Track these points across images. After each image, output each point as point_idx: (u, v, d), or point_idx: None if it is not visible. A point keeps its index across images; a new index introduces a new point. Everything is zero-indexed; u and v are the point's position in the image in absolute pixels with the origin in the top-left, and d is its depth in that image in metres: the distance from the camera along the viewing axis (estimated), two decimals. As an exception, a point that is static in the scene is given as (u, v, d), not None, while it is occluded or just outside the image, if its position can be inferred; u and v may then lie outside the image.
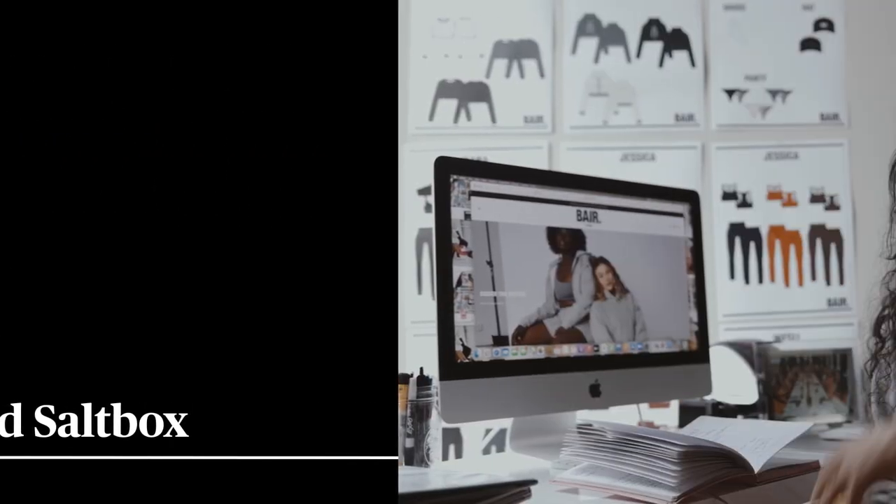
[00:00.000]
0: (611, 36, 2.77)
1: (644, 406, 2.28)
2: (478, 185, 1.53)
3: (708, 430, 1.51)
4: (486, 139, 2.72)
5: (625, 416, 2.11)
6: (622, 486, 1.25)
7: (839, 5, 2.81)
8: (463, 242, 1.49)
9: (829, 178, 2.76)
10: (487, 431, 2.61)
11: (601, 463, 1.29)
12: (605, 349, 1.70)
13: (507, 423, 1.71)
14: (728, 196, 2.75)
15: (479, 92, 2.75)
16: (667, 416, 2.35)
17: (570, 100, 2.75)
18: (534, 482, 1.19)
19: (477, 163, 1.59)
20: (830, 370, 2.21)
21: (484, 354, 1.49)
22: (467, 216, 1.51)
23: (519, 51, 2.75)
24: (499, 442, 2.57)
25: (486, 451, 2.55)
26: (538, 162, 2.68)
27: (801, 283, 2.73)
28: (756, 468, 1.29)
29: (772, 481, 1.34)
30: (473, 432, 2.61)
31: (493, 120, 2.74)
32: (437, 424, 1.48)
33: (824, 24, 2.79)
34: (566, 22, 2.77)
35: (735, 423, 1.58)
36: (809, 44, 2.79)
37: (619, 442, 1.27)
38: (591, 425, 1.32)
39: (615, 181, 1.80)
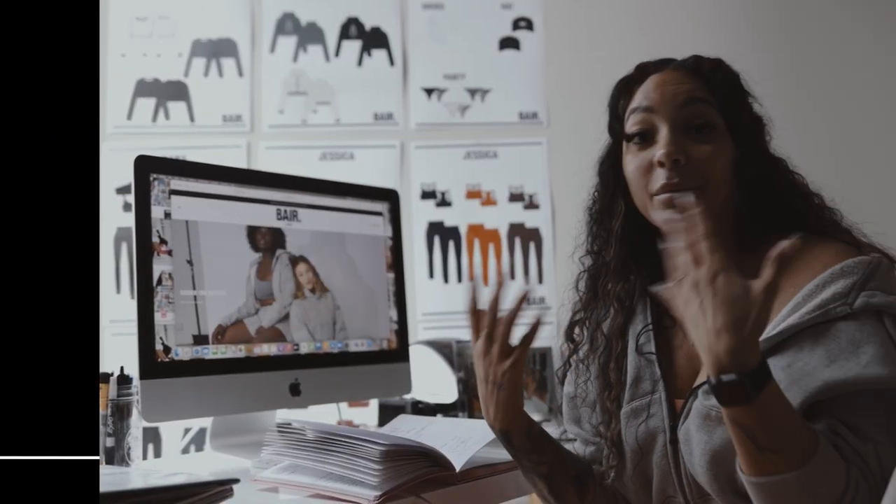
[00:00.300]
0: (309, 34, 3.04)
1: (343, 405, 2.50)
2: (178, 183, 1.66)
3: (408, 428, 1.62)
4: (184, 138, 2.94)
5: (324, 414, 2.28)
6: (324, 484, 1.34)
7: (538, 4, 3.18)
8: (163, 241, 1.61)
9: (527, 176, 3.10)
10: (187, 431, 2.73)
11: (303, 462, 1.38)
12: (306, 348, 1.85)
13: (206, 422, 1.83)
14: (427, 195, 3.06)
15: (177, 91, 2.93)
16: (366, 415, 2.55)
17: (268, 98, 3.02)
18: (235, 481, 1.26)
19: (177, 161, 1.71)
20: (530, 369, 2.44)
21: (184, 353, 1.62)
22: (167, 215, 1.63)
23: (217, 49, 2.97)
24: (198, 441, 2.69)
25: (186, 450, 2.66)
26: (237, 161, 2.92)
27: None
28: (457, 466, 1.38)
29: (472, 479, 1.45)
30: (172, 432, 2.74)
31: (192, 119, 2.96)
32: (137, 424, 1.59)
33: (523, 24, 3.14)
34: (265, 20, 3.04)
35: (435, 421, 1.68)
36: (508, 43, 3.15)
37: (320, 441, 1.36)
38: (290, 424, 1.40)
39: (315, 180, 1.94)
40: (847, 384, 1.16)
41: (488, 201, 3.06)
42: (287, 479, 1.39)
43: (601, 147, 1.53)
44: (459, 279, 3.02)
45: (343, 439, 1.33)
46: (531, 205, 3.07)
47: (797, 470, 1.08)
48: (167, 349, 1.60)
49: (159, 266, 1.61)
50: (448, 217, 3.04)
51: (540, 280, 3.04)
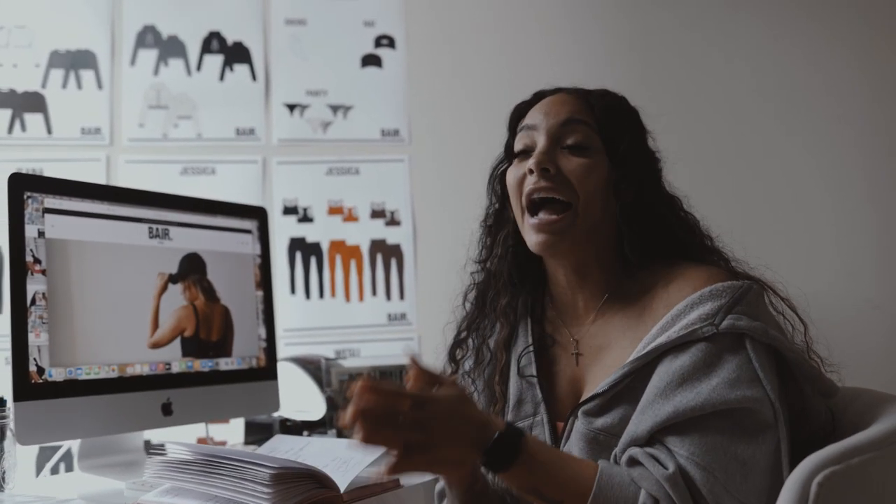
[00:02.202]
0: (171, 48, 3.05)
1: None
2: (52, 202, 1.64)
3: (286, 449, 1.64)
4: (41, 150, 2.90)
5: (187, 433, 2.25)
6: None
7: (400, 23, 3.26)
8: (37, 261, 1.59)
9: (389, 193, 3.18)
10: (55, 451, 2.65)
11: (186, 485, 1.37)
12: (177, 367, 1.85)
13: (74, 442, 1.80)
14: (289, 211, 3.11)
15: (34, 102, 2.89)
16: (226, 432, 2.50)
17: (128, 112, 3.02)
18: None
19: (52, 180, 1.69)
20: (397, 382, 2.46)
21: (58, 374, 1.60)
22: (41, 234, 1.61)
23: (76, 61, 2.94)
24: (67, 461, 2.62)
25: (55, 470, 2.59)
26: (97, 174, 2.91)
27: (361, 298, 3.08)
28: (342, 487, 1.41)
29: (357, 500, 1.46)
30: (29, 452, 2.65)
31: (49, 131, 2.93)
32: (11, 447, 1.56)
33: (385, 41, 3.21)
34: (125, 33, 3.05)
35: (312, 442, 1.69)
36: (370, 60, 3.22)
37: (204, 463, 1.36)
38: (171, 446, 1.42)
39: (185, 198, 1.96)
40: (694, 410, 1.25)
41: (350, 217, 3.11)
42: (170, 503, 1.40)
43: (494, 162, 1.62)
44: (321, 295, 3.05)
45: (229, 461, 1.34)
46: (393, 221, 3.13)
47: None
48: (41, 370, 1.58)
49: (33, 286, 1.60)
50: (310, 233, 3.08)
51: (402, 296, 3.09)
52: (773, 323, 1.37)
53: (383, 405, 1.14)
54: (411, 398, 1.15)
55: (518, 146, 1.51)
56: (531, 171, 1.43)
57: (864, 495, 1.22)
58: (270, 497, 1.29)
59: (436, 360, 2.65)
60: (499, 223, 1.59)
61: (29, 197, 1.63)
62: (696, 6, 3.36)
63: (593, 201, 1.43)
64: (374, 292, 3.10)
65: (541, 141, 1.45)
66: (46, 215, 1.65)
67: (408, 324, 3.10)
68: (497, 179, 1.59)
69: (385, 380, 1.23)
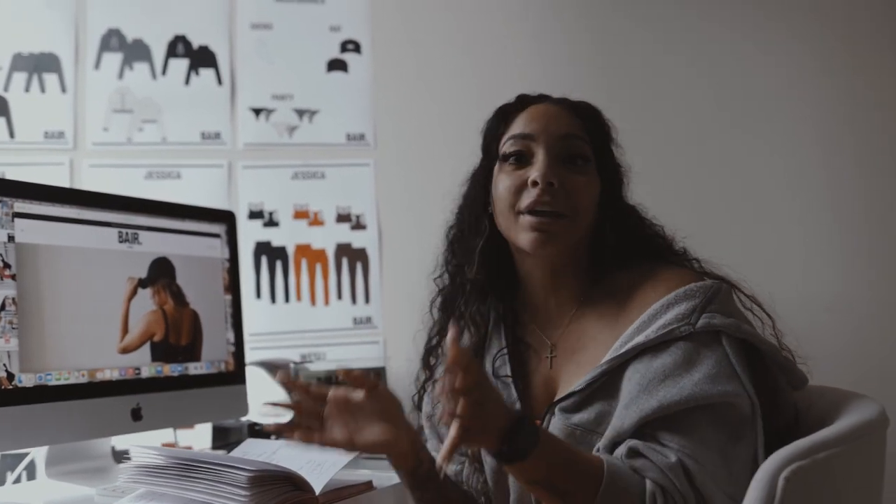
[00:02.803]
0: (136, 52, 3.04)
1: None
2: (22, 206, 1.63)
3: (259, 452, 1.67)
4: (4, 154, 2.93)
5: (156, 439, 2.25)
6: None
7: (366, 28, 3.27)
8: (6, 265, 1.59)
9: (355, 197, 3.19)
10: (15, 459, 2.63)
11: (162, 489, 1.39)
12: (147, 372, 1.86)
13: (37, 450, 1.80)
14: (255, 215, 3.10)
15: None
16: (190, 438, 2.49)
17: (93, 116, 3.01)
18: None
19: (22, 184, 1.69)
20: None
21: (28, 380, 1.60)
22: (11, 238, 1.60)
23: (40, 64, 2.93)
24: (28, 469, 2.60)
25: (18, 479, 2.56)
26: (60, 179, 2.88)
27: (327, 302, 3.08)
28: (317, 490, 1.45)
29: (332, 502, 1.51)
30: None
31: (12, 135, 2.92)
32: (-20, 454, 1.56)
33: (351, 46, 3.22)
34: (89, 36, 3.03)
35: (284, 445, 1.71)
36: (336, 65, 3.22)
37: (180, 467, 1.38)
38: (144, 451, 1.44)
39: (154, 202, 1.97)
40: (679, 403, 1.28)
41: (316, 221, 3.11)
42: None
43: (472, 168, 1.65)
44: (287, 299, 3.05)
45: (205, 465, 1.36)
46: (358, 225, 3.14)
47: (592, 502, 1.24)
48: (11, 376, 1.58)
49: (3, 291, 1.60)
50: (275, 237, 3.08)
51: (367, 300, 3.10)
52: (744, 319, 1.43)
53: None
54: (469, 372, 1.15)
55: (510, 149, 1.52)
56: (534, 184, 1.46)
57: (829, 489, 1.26)
58: (248, 500, 1.31)
59: (404, 363, 2.68)
60: (474, 231, 1.60)
61: (-1, 201, 1.63)
62: (657, 11, 3.41)
63: (588, 215, 1.50)
64: (339, 296, 3.11)
65: (541, 153, 1.48)
66: (16, 219, 1.64)
67: (373, 327, 3.11)
68: (479, 186, 1.61)
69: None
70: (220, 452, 2.06)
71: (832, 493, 1.27)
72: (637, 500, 1.26)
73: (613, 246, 1.50)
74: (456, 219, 1.66)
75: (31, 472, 2.44)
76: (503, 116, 1.58)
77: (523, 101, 1.59)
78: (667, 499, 1.25)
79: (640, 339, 1.38)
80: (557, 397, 1.46)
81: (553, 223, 1.45)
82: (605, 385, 1.40)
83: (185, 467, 1.37)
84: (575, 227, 1.47)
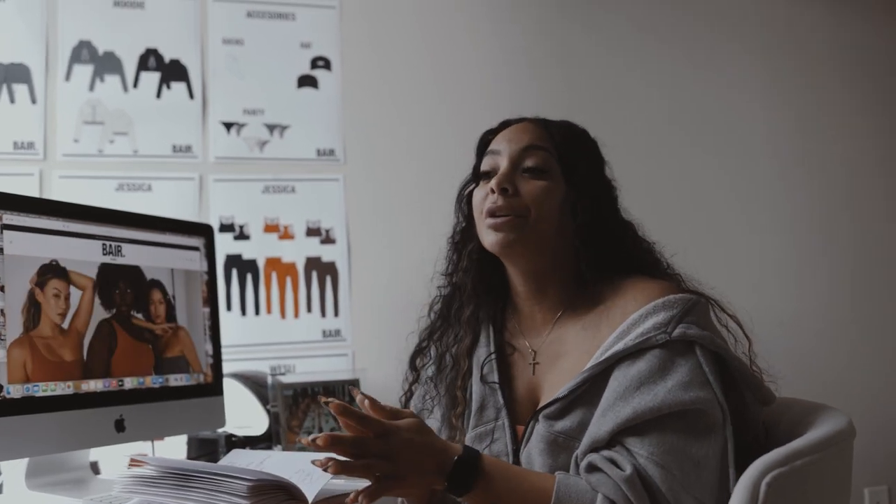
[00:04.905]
0: (107, 64, 3.04)
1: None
2: (10, 218, 1.64)
3: (247, 462, 1.67)
4: None
5: (133, 450, 2.24)
6: None
7: (335, 44, 3.32)
8: (-5, 277, 1.60)
9: (324, 211, 3.24)
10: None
11: (158, 499, 1.40)
12: (129, 384, 1.87)
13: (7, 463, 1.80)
14: (225, 228, 3.12)
15: None
16: (169, 449, 2.48)
17: (63, 127, 3.00)
18: None
19: (10, 196, 1.69)
20: (340, 399, 2.50)
21: (16, 391, 1.60)
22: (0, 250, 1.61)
23: (9, 74, 2.92)
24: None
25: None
26: (29, 189, 2.89)
27: (297, 314, 3.10)
28: (310, 498, 1.44)
29: None
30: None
31: None
32: (-28, 465, 1.57)
33: (321, 63, 3.25)
34: (60, 47, 3.04)
35: (272, 455, 1.75)
36: (307, 81, 3.25)
37: (177, 477, 1.39)
38: (138, 460, 1.45)
39: (136, 214, 1.97)
40: (653, 410, 1.34)
41: (286, 235, 3.14)
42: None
43: (461, 184, 1.75)
44: (257, 312, 3.07)
45: (203, 475, 1.38)
46: (328, 239, 3.16)
47: None
48: (0, 387, 1.58)
49: (-8, 303, 1.60)
50: (246, 250, 3.10)
51: (336, 313, 3.13)
52: (718, 334, 1.48)
53: (353, 433, 1.27)
54: (375, 427, 1.27)
55: (483, 167, 1.63)
56: (492, 191, 1.55)
57: (806, 494, 1.34)
58: None
59: (373, 374, 2.70)
60: (465, 239, 1.70)
61: (-13, 213, 1.64)
62: (617, 31, 3.50)
63: (547, 218, 1.55)
64: (309, 309, 3.13)
65: (503, 164, 1.58)
66: (4, 231, 1.65)
67: (342, 340, 3.14)
68: (465, 199, 1.71)
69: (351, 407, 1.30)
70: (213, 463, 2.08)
71: (809, 497, 1.35)
72: None
73: (593, 256, 1.55)
74: (453, 229, 1.74)
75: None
76: (485, 139, 1.70)
77: (504, 124, 1.70)
78: None
79: (619, 346, 1.44)
80: (541, 404, 1.52)
81: (506, 223, 1.53)
82: (587, 392, 1.45)
83: (183, 477, 1.39)
84: (530, 227, 1.54)
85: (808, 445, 1.35)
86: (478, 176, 1.65)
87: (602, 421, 1.38)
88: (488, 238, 1.56)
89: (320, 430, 2.45)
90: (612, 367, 1.44)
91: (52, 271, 1.73)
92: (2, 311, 1.62)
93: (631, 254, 1.63)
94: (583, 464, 1.38)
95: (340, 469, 1.24)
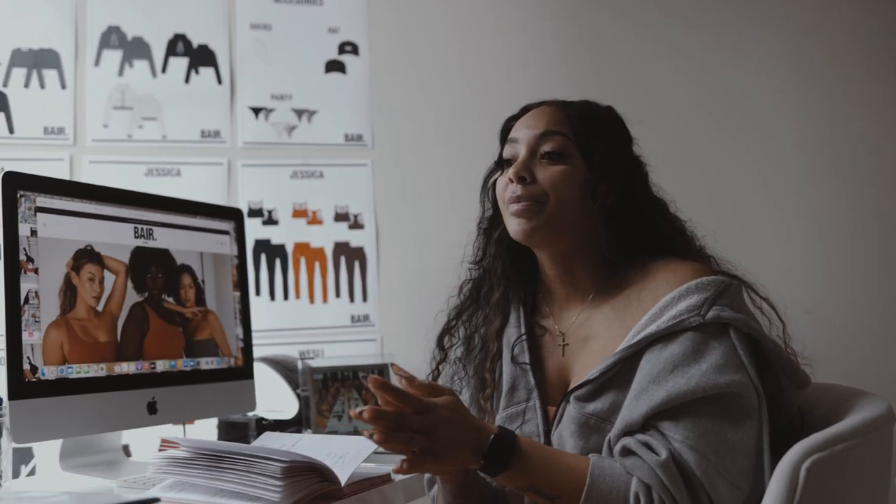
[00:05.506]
0: (136, 49, 3.06)
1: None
2: (44, 201, 1.65)
3: (279, 444, 1.69)
4: (4, 149, 2.88)
5: (164, 433, 2.25)
6: (218, 501, 1.40)
7: (363, 29, 3.30)
8: (30, 259, 1.60)
9: (352, 197, 3.23)
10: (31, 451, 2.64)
11: (193, 480, 1.42)
12: (161, 366, 1.87)
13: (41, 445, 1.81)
14: (254, 213, 3.12)
15: None
16: (200, 432, 2.49)
17: (93, 112, 3.01)
18: (157, 500, 1.37)
19: (44, 179, 1.71)
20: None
21: (50, 373, 1.61)
22: (34, 233, 1.62)
23: (39, 60, 2.90)
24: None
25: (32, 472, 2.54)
26: (59, 174, 2.89)
27: (325, 299, 3.10)
28: (343, 481, 1.48)
29: (356, 493, 1.55)
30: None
31: (11, 130, 2.91)
32: (7, 445, 1.57)
33: (349, 48, 3.23)
34: (89, 33, 3.04)
35: (303, 438, 1.76)
36: (334, 66, 3.24)
37: (211, 458, 1.41)
38: (176, 442, 1.48)
39: (167, 198, 2.00)
40: (687, 394, 1.33)
41: (314, 220, 3.14)
42: (178, 497, 1.43)
43: (486, 172, 1.75)
44: (286, 297, 3.07)
45: (238, 456, 1.39)
46: (356, 224, 3.16)
47: None
48: (34, 368, 1.60)
49: (26, 284, 1.62)
50: (274, 235, 3.10)
51: (364, 298, 3.13)
52: (752, 317, 1.47)
53: (394, 408, 1.28)
54: (413, 404, 1.28)
55: (505, 156, 1.63)
56: (511, 180, 1.56)
57: (845, 479, 1.34)
58: (281, 490, 1.35)
59: (401, 360, 2.70)
60: (492, 225, 1.71)
61: (22, 196, 1.65)
62: (645, 17, 3.47)
63: (566, 203, 1.55)
64: (337, 294, 3.13)
65: (521, 152, 1.58)
66: (38, 214, 1.66)
67: (370, 325, 3.13)
68: (490, 188, 1.71)
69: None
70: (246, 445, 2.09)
71: (848, 482, 1.34)
72: (622, 499, 1.32)
73: (616, 238, 1.54)
74: (481, 215, 1.75)
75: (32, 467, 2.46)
76: (507, 125, 1.70)
77: (524, 110, 1.69)
78: (651, 497, 1.29)
79: (651, 329, 1.43)
80: (572, 386, 1.51)
81: (526, 210, 1.53)
82: (618, 375, 1.45)
83: (218, 458, 1.40)
84: (550, 213, 1.54)
85: (847, 430, 1.35)
86: (500, 164, 1.66)
87: (636, 404, 1.38)
88: (511, 226, 1.57)
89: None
90: (644, 350, 1.44)
91: (86, 255, 1.74)
92: (36, 292, 1.63)
93: (662, 232, 1.61)
94: (617, 447, 1.37)
95: (383, 439, 1.25)
